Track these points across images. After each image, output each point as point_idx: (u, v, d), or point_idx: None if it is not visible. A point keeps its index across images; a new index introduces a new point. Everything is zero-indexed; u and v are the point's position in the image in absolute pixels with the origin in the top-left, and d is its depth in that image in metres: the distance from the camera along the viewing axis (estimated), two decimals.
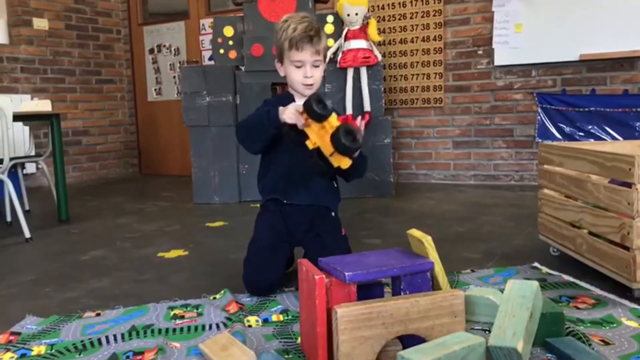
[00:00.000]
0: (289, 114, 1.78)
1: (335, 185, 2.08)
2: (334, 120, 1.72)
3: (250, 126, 1.93)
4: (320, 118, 1.71)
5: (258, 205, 2.14)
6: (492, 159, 4.44)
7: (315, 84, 1.96)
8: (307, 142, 1.75)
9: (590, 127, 3.95)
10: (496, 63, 4.26)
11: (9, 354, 1.46)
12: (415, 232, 1.46)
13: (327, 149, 1.71)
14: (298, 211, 1.99)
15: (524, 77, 4.25)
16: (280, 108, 1.82)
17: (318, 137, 1.74)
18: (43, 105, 3.97)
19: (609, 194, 1.74)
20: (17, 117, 3.17)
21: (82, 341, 1.51)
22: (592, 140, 3.90)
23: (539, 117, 4.13)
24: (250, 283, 1.88)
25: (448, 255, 2.26)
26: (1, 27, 5.05)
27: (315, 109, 1.69)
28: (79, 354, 1.44)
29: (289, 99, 1.98)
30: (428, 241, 1.41)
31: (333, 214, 2.04)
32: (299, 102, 1.92)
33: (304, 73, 1.95)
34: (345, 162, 1.73)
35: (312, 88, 1.96)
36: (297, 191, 1.99)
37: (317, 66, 1.96)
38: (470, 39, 4.41)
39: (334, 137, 1.67)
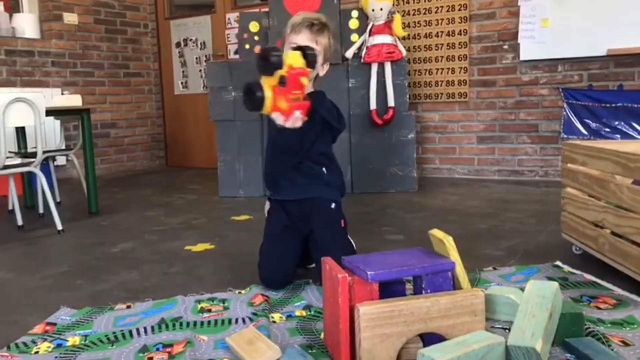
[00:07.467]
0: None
1: (331, 172, 2.03)
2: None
3: None
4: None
5: None
6: (516, 155, 4.42)
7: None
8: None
9: (617, 123, 3.90)
10: (522, 58, 4.23)
11: (46, 344, 1.53)
12: (436, 232, 1.48)
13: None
14: (292, 206, 2.02)
15: (549, 72, 4.22)
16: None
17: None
18: (74, 100, 4.06)
19: (632, 194, 1.74)
20: (50, 112, 3.26)
21: (114, 333, 1.58)
22: (618, 136, 3.86)
23: (564, 113, 4.09)
24: (265, 277, 1.93)
25: (470, 251, 2.29)
26: (33, 22, 5.17)
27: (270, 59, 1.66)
28: (112, 345, 1.51)
29: None
30: (449, 241, 1.43)
31: (333, 205, 2.00)
32: None
33: None
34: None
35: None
36: (281, 187, 2.04)
37: None
38: (495, 33, 4.38)
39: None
